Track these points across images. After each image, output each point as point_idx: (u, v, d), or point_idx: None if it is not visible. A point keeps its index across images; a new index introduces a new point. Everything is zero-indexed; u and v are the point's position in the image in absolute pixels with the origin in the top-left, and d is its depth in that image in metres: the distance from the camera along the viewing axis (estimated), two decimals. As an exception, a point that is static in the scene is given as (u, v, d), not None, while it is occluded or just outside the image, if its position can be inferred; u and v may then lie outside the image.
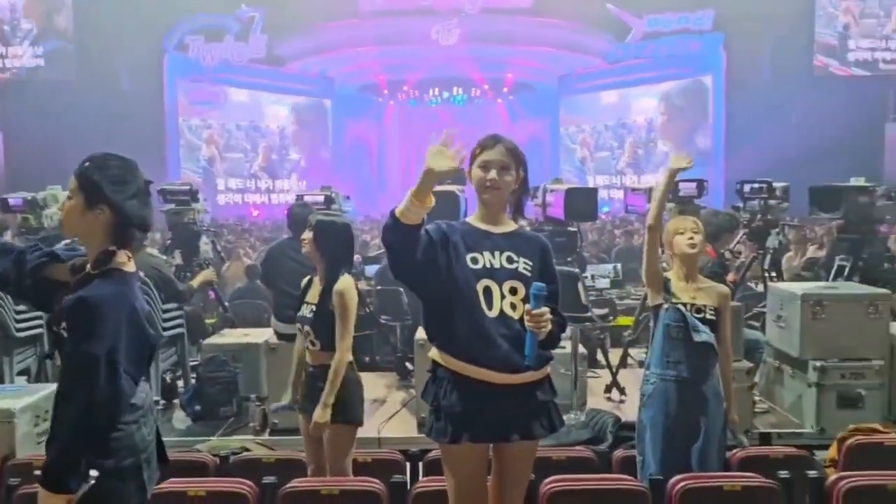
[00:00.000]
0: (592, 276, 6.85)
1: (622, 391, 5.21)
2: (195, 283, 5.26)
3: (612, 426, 4.09)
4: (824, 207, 5.96)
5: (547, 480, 2.72)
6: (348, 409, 3.10)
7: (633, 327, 5.60)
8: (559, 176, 5.73)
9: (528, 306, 2.20)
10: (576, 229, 5.00)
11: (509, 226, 2.41)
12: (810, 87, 18.98)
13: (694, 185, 5.24)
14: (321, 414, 3.00)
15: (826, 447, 3.71)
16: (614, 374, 5.32)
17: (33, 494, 2.00)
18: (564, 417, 4.32)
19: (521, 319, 2.25)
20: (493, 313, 2.26)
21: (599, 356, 5.82)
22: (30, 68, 19.34)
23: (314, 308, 3.13)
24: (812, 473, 2.84)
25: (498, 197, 2.34)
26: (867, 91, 18.66)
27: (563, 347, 4.95)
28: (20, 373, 5.00)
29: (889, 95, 18.75)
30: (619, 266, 7.82)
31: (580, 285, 4.56)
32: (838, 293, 4.82)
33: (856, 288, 5.13)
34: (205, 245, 5.94)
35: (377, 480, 2.81)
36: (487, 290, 2.27)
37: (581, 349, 4.90)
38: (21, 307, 4.84)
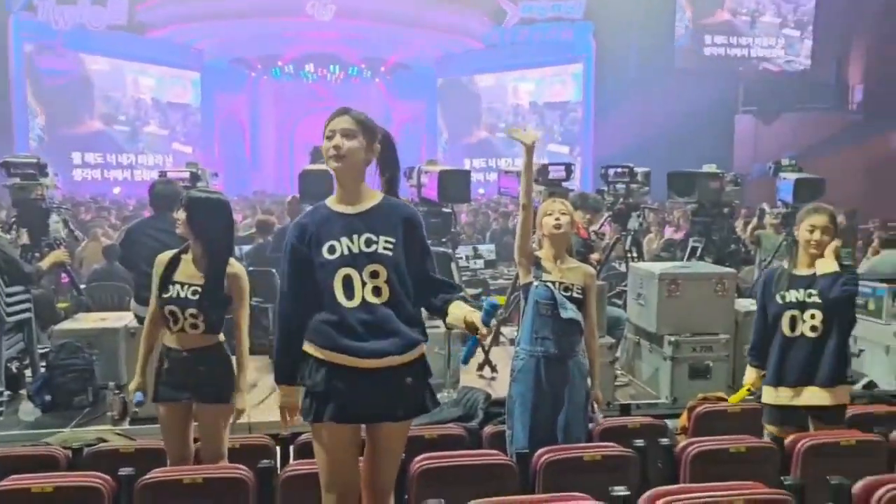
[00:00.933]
0: (466, 257, 6.97)
1: (494, 368, 5.34)
2: (44, 264, 4.88)
3: (483, 403, 4.17)
4: (680, 192, 6.37)
5: (417, 459, 2.74)
6: (229, 389, 3.04)
7: (505, 306, 5.74)
8: (434, 157, 5.77)
9: (480, 319, 2.16)
10: (450, 210, 5.06)
11: (371, 200, 2.32)
12: (671, 77, 20.13)
13: (562, 168, 5.42)
14: (243, 401, 3.04)
15: (679, 415, 3.97)
16: (486, 352, 5.43)
17: None
18: (437, 396, 4.41)
19: (387, 302, 2.22)
20: (354, 302, 2.22)
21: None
22: None
23: (199, 289, 2.97)
24: (664, 441, 3.02)
25: (346, 166, 2.24)
26: (720, 84, 20.02)
27: (437, 327, 5.01)
28: None
29: (739, 89, 20.23)
30: (478, 248, 7.94)
31: (454, 265, 4.63)
32: (690, 272, 5.16)
33: (706, 267, 5.52)
34: (55, 223, 5.51)
35: (244, 466, 2.72)
36: (348, 279, 2.22)
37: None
38: None
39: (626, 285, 5.83)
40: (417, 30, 21.14)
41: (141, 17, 19.81)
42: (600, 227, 6.66)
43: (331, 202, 2.33)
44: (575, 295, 3.18)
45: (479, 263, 7.56)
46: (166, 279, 3.03)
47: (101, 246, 7.91)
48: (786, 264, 3.26)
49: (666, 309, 4.97)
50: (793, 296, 3.11)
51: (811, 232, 3.11)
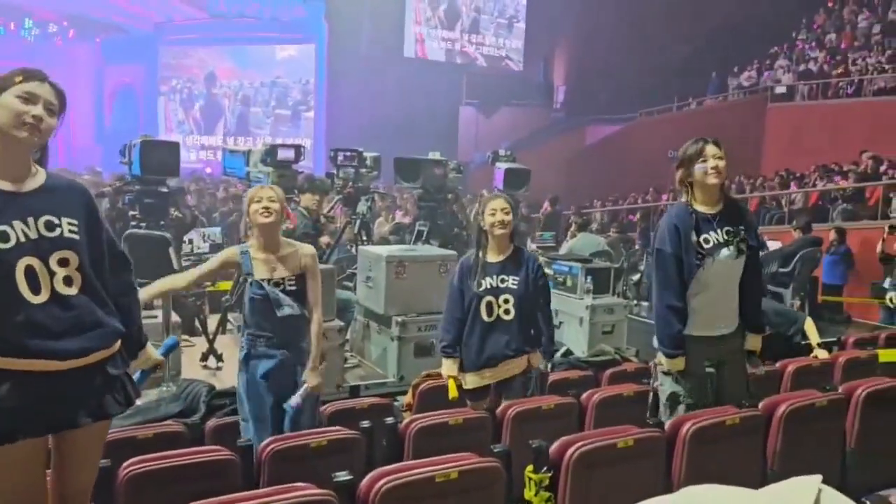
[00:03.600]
0: (190, 241, 6.52)
1: (219, 358, 5.09)
2: None
3: (206, 396, 3.95)
4: (406, 177, 6.62)
5: (126, 463, 2.48)
6: None
7: (231, 292, 5.49)
8: (148, 133, 5.27)
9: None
10: (167, 190, 4.68)
11: (37, 176, 1.97)
12: (400, 65, 20.87)
13: (291, 149, 5.31)
14: None
15: (405, 393, 4.11)
16: (211, 341, 5.16)
17: None
18: (154, 392, 4.08)
19: (82, 290, 1.95)
20: (42, 297, 1.89)
21: (197, 323, 5.60)
22: None
23: None
24: (389, 420, 3.09)
25: (38, 143, 1.93)
26: (446, 75, 21.24)
27: (155, 317, 4.63)
28: None
29: (463, 82, 21.64)
30: (203, 231, 7.50)
31: (171, 251, 4.30)
32: (416, 255, 5.38)
33: (431, 250, 5.80)
34: None
35: None
36: (31, 271, 1.88)
37: (175, 317, 4.64)
38: None
39: (356, 268, 5.91)
40: (134, -10, 19.35)
41: None
42: (330, 211, 6.67)
43: None
44: (288, 288, 3.10)
45: (205, 247, 7.12)
46: None
47: None
48: (481, 253, 3.39)
49: (393, 290, 5.12)
50: (487, 282, 3.31)
51: (493, 215, 3.30)
